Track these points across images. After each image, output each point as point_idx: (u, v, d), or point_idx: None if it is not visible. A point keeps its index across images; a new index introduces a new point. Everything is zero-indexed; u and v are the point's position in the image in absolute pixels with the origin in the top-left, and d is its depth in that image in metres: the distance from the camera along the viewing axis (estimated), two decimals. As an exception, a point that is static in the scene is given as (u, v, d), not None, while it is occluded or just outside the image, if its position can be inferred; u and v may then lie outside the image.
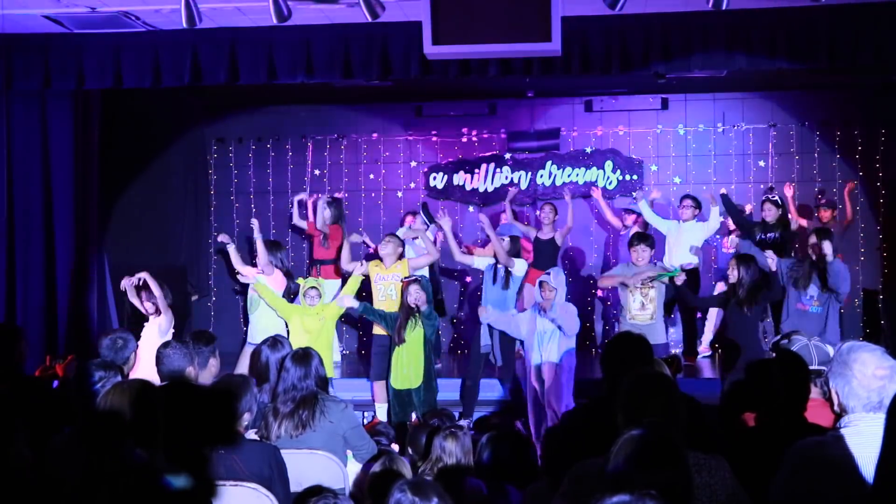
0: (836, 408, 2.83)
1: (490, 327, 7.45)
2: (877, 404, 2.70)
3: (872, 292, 10.08)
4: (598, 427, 3.10)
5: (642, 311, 7.14)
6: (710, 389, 7.02)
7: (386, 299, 7.57)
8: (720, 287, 8.97)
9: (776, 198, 9.05)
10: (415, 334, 7.09)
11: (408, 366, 7.07)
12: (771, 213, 8.83)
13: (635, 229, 9.19)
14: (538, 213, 9.65)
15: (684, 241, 8.95)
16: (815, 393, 3.66)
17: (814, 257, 7.11)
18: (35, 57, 7.63)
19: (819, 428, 3.26)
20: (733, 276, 6.89)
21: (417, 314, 7.06)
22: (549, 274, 7.08)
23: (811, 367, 3.77)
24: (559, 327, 6.90)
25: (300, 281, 7.79)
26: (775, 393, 3.37)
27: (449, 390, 7.68)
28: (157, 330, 6.84)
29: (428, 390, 7.10)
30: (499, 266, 7.63)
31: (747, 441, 3.37)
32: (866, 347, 2.83)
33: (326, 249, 9.16)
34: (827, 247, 6.90)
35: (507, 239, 7.70)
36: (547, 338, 6.92)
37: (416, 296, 7.06)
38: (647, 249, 7.30)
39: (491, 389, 7.88)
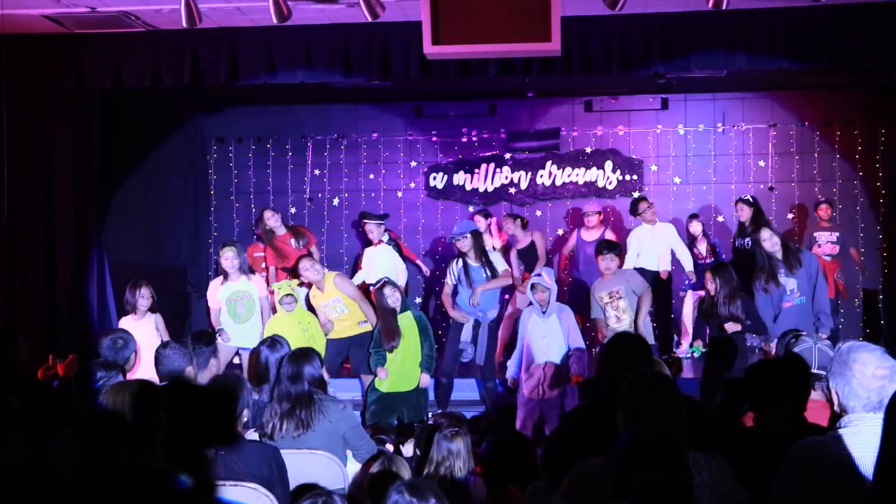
0: (836, 408, 2.83)
1: (474, 325, 7.32)
2: (877, 404, 2.69)
3: (872, 292, 10.09)
4: (598, 427, 3.10)
5: (618, 323, 7.05)
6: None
7: (339, 316, 7.36)
8: (690, 296, 8.89)
9: (748, 197, 9.00)
10: (406, 336, 6.92)
11: (402, 367, 6.92)
12: (745, 213, 8.73)
13: (599, 232, 9.07)
14: (503, 226, 9.38)
15: (657, 245, 8.75)
16: (815, 395, 3.66)
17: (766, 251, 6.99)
18: (35, 57, 7.64)
19: (819, 428, 3.26)
20: (711, 287, 6.86)
21: (397, 315, 6.91)
22: (539, 275, 6.94)
23: (811, 371, 3.77)
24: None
25: (274, 287, 7.38)
26: (777, 393, 3.37)
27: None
28: (153, 328, 6.88)
29: (420, 395, 6.98)
30: (471, 265, 7.35)
31: (747, 441, 3.37)
32: (866, 347, 2.82)
33: (303, 248, 8.70)
34: (765, 234, 6.88)
35: (468, 237, 7.30)
36: (547, 341, 6.80)
37: (393, 297, 6.89)
38: (616, 259, 7.16)
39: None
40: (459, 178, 10.81)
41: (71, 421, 3.93)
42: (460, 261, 7.39)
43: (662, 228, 8.96)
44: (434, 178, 10.85)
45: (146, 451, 3.01)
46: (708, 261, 8.81)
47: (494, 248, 8.42)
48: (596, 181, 10.60)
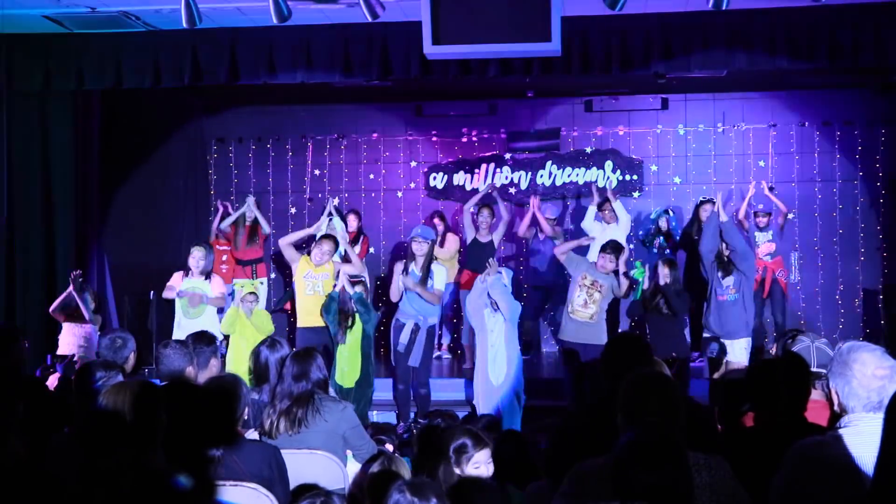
0: (836, 408, 2.83)
1: (413, 329, 7.38)
2: (877, 404, 2.69)
3: (872, 292, 10.09)
4: (599, 427, 3.10)
5: (584, 308, 7.18)
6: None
7: (314, 294, 7.43)
8: None
9: (714, 198, 9.08)
10: (354, 334, 7.10)
11: (348, 364, 7.08)
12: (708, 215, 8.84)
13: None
14: (476, 215, 9.43)
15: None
16: (815, 395, 3.66)
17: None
18: (35, 57, 7.64)
19: (819, 428, 3.25)
20: (664, 278, 7.00)
21: (354, 315, 7.10)
22: (500, 273, 7.11)
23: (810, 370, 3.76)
24: (494, 306, 6.97)
25: (237, 285, 7.59)
26: (777, 393, 3.37)
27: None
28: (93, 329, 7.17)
29: (363, 390, 7.09)
30: (413, 272, 7.44)
31: (747, 441, 3.37)
32: (866, 347, 2.82)
33: (255, 248, 9.03)
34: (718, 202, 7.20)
35: (428, 243, 7.44)
36: (495, 336, 6.95)
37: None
38: (613, 262, 7.29)
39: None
40: (459, 178, 10.81)
41: (71, 421, 3.93)
42: (404, 265, 7.49)
43: (615, 229, 9.05)
44: (434, 178, 10.85)
45: (146, 451, 3.01)
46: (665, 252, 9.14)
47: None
48: (596, 181, 10.60)
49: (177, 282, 7.68)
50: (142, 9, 6.94)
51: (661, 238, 9.60)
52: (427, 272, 7.38)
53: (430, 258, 7.47)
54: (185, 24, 6.37)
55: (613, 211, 9.17)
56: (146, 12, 7.02)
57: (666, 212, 9.75)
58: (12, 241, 7.99)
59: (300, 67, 7.44)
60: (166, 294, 7.71)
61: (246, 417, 3.99)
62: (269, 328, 7.26)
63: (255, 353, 5.23)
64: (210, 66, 7.49)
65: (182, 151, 10.67)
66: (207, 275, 7.67)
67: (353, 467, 4.33)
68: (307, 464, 4.04)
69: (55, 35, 7.53)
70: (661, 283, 7.03)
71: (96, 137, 8.53)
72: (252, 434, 4.36)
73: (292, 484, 3.74)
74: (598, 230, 9.10)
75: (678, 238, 9.58)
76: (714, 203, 8.93)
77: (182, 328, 7.49)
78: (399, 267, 7.49)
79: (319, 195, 11.01)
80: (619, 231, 9.02)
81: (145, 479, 2.28)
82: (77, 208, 8.30)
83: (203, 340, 5.16)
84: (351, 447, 4.46)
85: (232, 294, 7.59)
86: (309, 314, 7.44)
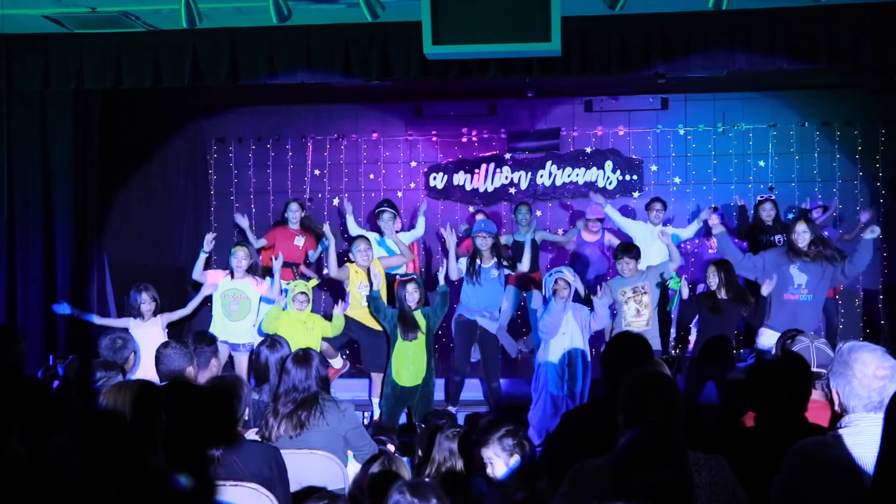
0: (836, 408, 2.83)
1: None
2: (877, 404, 2.69)
3: (872, 292, 10.09)
4: (599, 427, 3.10)
5: (637, 317, 7.07)
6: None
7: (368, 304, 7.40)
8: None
9: (774, 197, 9.01)
10: (419, 332, 7.02)
11: (414, 363, 6.99)
12: (773, 214, 8.75)
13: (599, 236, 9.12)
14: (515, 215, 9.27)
15: (649, 244, 8.44)
16: (815, 395, 3.66)
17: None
18: (35, 57, 7.64)
19: (819, 428, 3.25)
20: (714, 282, 6.91)
21: (413, 312, 7.00)
22: (560, 271, 7.03)
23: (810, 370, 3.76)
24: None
25: (291, 284, 7.47)
26: (777, 393, 3.37)
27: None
28: (159, 331, 6.88)
29: (429, 386, 7.06)
30: (482, 266, 7.43)
31: (747, 441, 3.37)
32: (867, 347, 2.83)
33: (300, 250, 8.94)
34: (800, 227, 6.63)
35: (491, 238, 7.46)
36: (568, 338, 6.90)
37: (413, 296, 6.99)
38: (632, 261, 7.18)
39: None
40: (459, 178, 10.81)
41: (71, 421, 3.93)
42: (468, 259, 7.47)
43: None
44: (434, 178, 10.86)
45: (146, 451, 3.01)
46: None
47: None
48: (596, 181, 10.60)
49: (216, 278, 7.49)
50: (142, 9, 6.93)
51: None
52: (502, 263, 7.45)
53: (500, 251, 7.52)
54: (185, 24, 6.37)
55: (662, 210, 8.82)
56: (146, 12, 7.01)
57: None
58: (12, 241, 7.98)
59: (300, 67, 7.44)
60: (206, 290, 7.51)
61: (246, 418, 3.98)
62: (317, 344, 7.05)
63: (256, 354, 5.23)
64: (210, 66, 7.48)
65: (182, 151, 10.65)
66: (259, 273, 7.54)
67: (354, 467, 4.34)
68: (308, 464, 4.05)
69: (55, 35, 7.52)
70: (713, 286, 6.91)
71: (96, 137, 8.51)
72: (252, 434, 4.36)
73: (293, 484, 3.74)
74: (645, 233, 8.62)
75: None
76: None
77: (226, 331, 7.32)
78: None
79: (319, 195, 11.02)
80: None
81: (145, 479, 2.28)
82: (77, 208, 8.28)
83: (203, 340, 5.17)
84: (352, 447, 4.46)
85: (284, 293, 7.44)
86: (363, 316, 7.40)
